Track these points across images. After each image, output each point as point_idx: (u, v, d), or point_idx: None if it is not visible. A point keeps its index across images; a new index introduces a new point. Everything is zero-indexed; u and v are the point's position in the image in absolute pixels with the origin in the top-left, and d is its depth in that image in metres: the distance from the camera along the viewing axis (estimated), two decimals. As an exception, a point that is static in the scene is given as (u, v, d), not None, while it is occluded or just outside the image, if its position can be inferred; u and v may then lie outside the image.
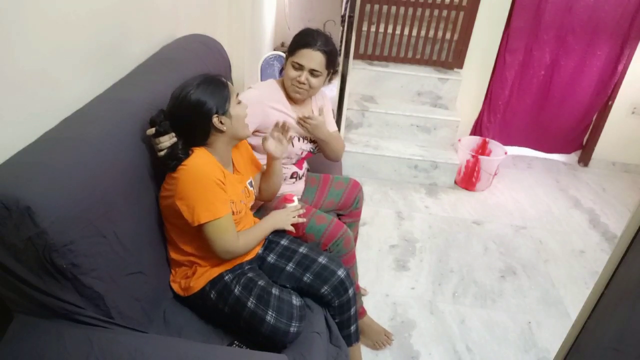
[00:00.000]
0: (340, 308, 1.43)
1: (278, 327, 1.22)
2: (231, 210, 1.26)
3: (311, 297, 1.41)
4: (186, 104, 1.20)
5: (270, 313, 1.23)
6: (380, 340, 1.79)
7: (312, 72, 1.57)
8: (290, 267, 1.40)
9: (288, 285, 1.39)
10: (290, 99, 1.66)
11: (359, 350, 1.59)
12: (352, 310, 1.46)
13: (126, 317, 1.12)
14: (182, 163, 1.19)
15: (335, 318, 1.45)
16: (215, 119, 1.22)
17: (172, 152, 1.19)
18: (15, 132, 1.02)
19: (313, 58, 1.55)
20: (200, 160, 1.21)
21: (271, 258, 1.42)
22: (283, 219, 1.44)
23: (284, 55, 1.68)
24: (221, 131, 1.24)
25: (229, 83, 1.28)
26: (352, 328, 1.49)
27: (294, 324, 1.24)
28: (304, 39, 1.57)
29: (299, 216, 1.47)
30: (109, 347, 0.99)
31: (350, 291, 1.43)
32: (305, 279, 1.38)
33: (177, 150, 1.20)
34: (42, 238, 0.91)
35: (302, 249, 1.44)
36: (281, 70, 1.69)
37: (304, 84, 1.58)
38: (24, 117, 1.05)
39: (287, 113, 1.65)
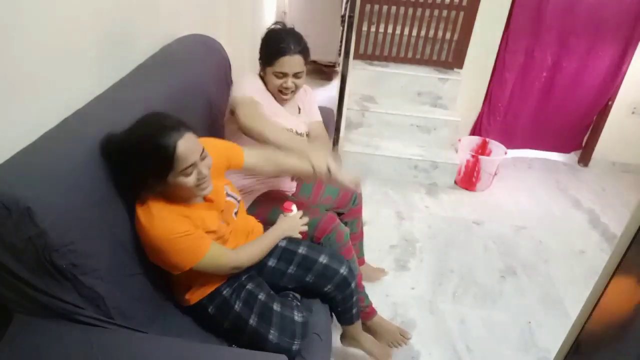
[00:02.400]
0: (343, 300, 1.45)
1: (281, 347, 1.21)
2: (211, 239, 1.19)
3: (314, 295, 1.43)
4: (126, 156, 1.06)
5: (272, 332, 1.22)
6: (396, 340, 1.70)
7: (296, 75, 1.61)
8: (291, 269, 1.39)
9: (291, 286, 1.39)
10: (274, 96, 1.70)
11: (360, 326, 1.61)
12: (354, 298, 1.49)
13: (126, 318, 1.12)
14: (140, 221, 1.10)
15: (339, 307, 1.47)
16: (147, 186, 1.10)
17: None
18: (15, 132, 1.02)
19: (293, 63, 1.58)
20: (154, 223, 1.09)
21: (272, 262, 1.40)
22: (292, 227, 1.42)
23: None
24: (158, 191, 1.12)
25: (186, 148, 1.06)
26: (354, 310, 1.52)
27: (296, 342, 1.22)
28: (277, 47, 1.57)
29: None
30: (109, 347, 0.99)
31: (353, 284, 1.45)
32: (307, 279, 1.38)
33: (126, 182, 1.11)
34: (42, 238, 0.91)
35: (301, 250, 1.42)
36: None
37: (289, 88, 1.62)
38: (24, 117, 1.05)
39: (273, 106, 1.67)
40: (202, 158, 1.13)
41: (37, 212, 0.89)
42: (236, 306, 1.25)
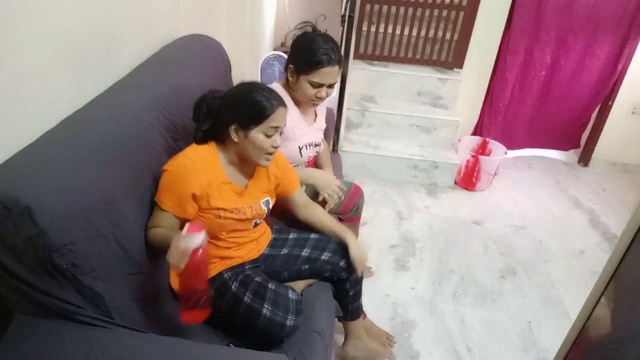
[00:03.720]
0: (356, 280, 1.52)
1: (274, 320, 1.22)
2: (180, 211, 1.20)
3: (328, 274, 1.47)
4: (234, 97, 1.25)
5: (266, 306, 1.24)
6: (383, 344, 1.77)
7: (330, 85, 1.58)
8: (306, 251, 1.45)
9: (306, 267, 1.44)
10: (296, 103, 1.66)
11: (362, 324, 1.67)
12: (360, 285, 1.57)
13: (126, 317, 1.12)
14: (185, 154, 1.23)
15: (350, 291, 1.53)
16: (232, 128, 1.23)
17: (198, 123, 1.26)
18: (15, 132, 1.02)
19: (332, 74, 1.54)
20: (194, 156, 1.23)
21: (285, 250, 1.47)
22: (175, 251, 0.99)
23: (284, 55, 1.67)
24: (233, 140, 1.25)
25: (279, 113, 1.24)
26: (361, 300, 1.60)
27: (290, 317, 1.24)
28: (319, 57, 1.49)
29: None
30: (109, 347, 0.99)
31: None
32: (323, 257, 1.44)
33: (202, 127, 1.25)
34: (42, 238, 0.91)
35: (313, 235, 1.50)
36: (285, 71, 1.65)
37: (322, 98, 1.59)
38: (24, 117, 1.05)
39: (297, 119, 1.66)
40: (280, 132, 1.28)
41: (37, 212, 0.89)
42: (233, 287, 1.29)
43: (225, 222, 1.29)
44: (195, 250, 0.98)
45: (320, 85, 1.55)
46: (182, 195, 1.20)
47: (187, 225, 1.03)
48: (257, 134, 1.23)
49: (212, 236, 1.31)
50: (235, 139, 1.24)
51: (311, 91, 1.55)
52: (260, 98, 1.22)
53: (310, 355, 1.24)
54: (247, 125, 1.22)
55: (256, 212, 1.35)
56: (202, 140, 1.27)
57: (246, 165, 1.32)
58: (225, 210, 1.27)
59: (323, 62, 1.49)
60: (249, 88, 1.25)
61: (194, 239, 0.99)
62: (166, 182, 1.21)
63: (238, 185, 1.31)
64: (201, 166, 1.22)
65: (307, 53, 1.52)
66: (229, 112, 1.23)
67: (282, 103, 1.26)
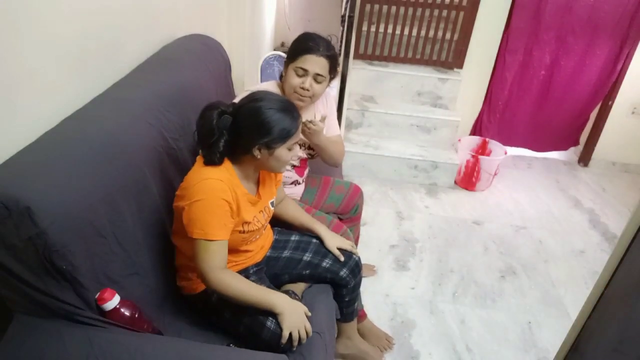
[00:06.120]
0: (354, 288, 1.52)
1: (278, 333, 1.22)
2: (228, 234, 1.20)
3: (328, 281, 1.48)
4: (255, 117, 1.18)
5: (270, 318, 1.23)
6: (381, 344, 1.79)
7: (316, 78, 1.53)
8: (307, 256, 1.45)
9: (306, 273, 1.44)
10: None
11: (356, 326, 1.69)
12: (358, 290, 1.58)
13: (126, 317, 1.12)
14: (206, 177, 1.17)
15: (346, 297, 1.53)
16: (255, 148, 1.19)
17: (212, 146, 1.19)
18: (16, 132, 1.02)
19: (317, 63, 1.51)
20: (216, 175, 1.18)
21: (286, 253, 1.46)
22: (294, 315, 1.20)
23: (284, 55, 1.66)
24: (255, 158, 1.22)
25: (300, 127, 1.24)
26: (356, 304, 1.61)
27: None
28: (306, 45, 1.52)
29: None
30: (109, 347, 0.99)
31: (361, 273, 1.54)
32: (324, 264, 1.44)
33: (218, 149, 1.18)
34: (42, 238, 0.91)
35: (315, 240, 1.49)
36: (281, 76, 1.63)
37: (307, 90, 1.53)
38: (24, 117, 1.05)
39: None
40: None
41: (37, 212, 0.89)
42: None
43: (247, 235, 1.29)
44: (116, 310, 1.07)
45: (304, 73, 1.52)
46: (226, 214, 1.18)
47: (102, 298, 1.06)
48: (282, 151, 1.22)
49: (233, 252, 1.29)
50: (259, 157, 1.21)
51: (295, 80, 1.53)
52: (285, 119, 1.19)
53: (310, 355, 1.24)
54: (273, 145, 1.19)
55: (267, 215, 1.36)
56: (220, 161, 1.21)
57: (255, 173, 1.31)
58: (248, 223, 1.27)
59: (309, 49, 1.51)
60: (268, 106, 1.18)
61: (111, 302, 1.06)
62: (203, 211, 1.15)
63: (252, 194, 1.30)
64: (228, 184, 1.19)
65: (296, 44, 1.56)
66: (252, 134, 1.18)
67: (299, 114, 1.24)
